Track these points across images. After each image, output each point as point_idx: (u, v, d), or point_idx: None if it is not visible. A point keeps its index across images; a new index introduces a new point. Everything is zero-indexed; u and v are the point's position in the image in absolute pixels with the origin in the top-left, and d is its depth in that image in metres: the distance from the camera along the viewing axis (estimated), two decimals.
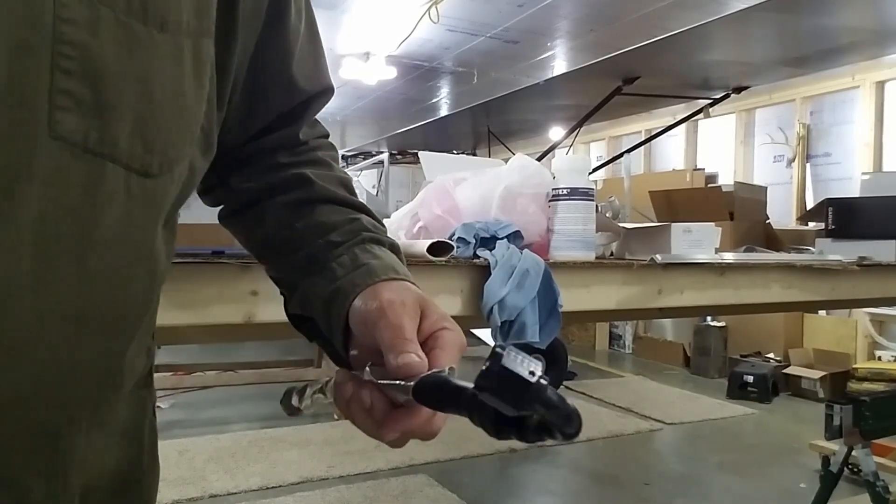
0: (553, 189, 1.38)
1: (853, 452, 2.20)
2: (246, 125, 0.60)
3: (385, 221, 1.58)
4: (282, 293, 0.62)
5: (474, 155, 6.95)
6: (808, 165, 5.91)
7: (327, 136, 0.68)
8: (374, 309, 0.49)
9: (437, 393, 0.44)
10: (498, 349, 0.37)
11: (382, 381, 0.47)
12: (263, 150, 0.62)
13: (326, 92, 0.66)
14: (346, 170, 0.67)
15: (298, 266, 0.58)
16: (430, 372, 0.46)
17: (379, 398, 0.47)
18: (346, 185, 0.63)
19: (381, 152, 6.85)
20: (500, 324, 1.17)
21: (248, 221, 0.64)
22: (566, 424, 0.39)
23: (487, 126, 6.28)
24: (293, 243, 0.59)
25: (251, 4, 0.53)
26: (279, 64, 0.59)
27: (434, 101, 6.85)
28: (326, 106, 0.67)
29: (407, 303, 0.50)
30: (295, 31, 0.59)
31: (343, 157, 6.98)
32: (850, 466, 2.64)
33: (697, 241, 1.48)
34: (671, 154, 7.22)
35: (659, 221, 2.26)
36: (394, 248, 0.59)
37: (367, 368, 0.49)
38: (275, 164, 0.62)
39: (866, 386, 4.51)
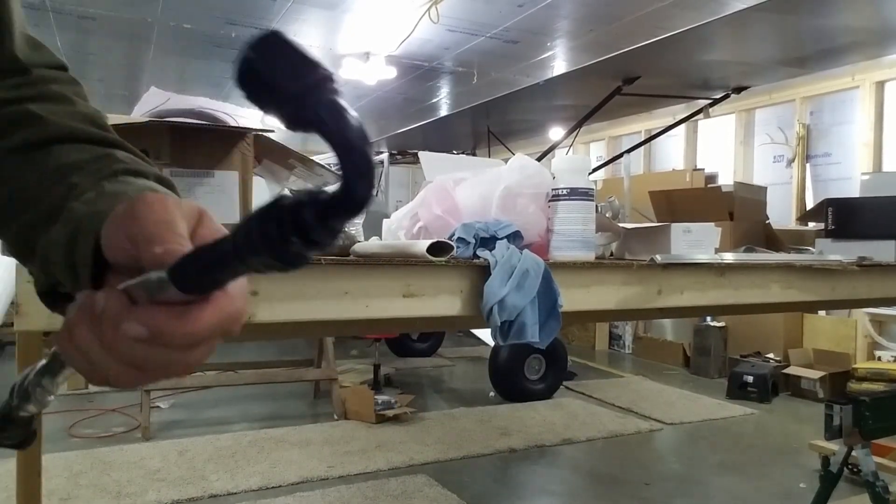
0: (553, 189, 1.38)
1: (853, 452, 2.20)
2: None
3: (385, 221, 1.59)
4: (29, 272, 0.46)
5: (474, 155, 6.95)
6: (807, 165, 5.91)
7: (64, 67, 0.53)
8: (130, 209, 0.37)
9: (198, 259, 0.33)
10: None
11: (129, 284, 0.35)
12: None
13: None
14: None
15: (35, 224, 0.44)
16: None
17: (117, 299, 0.35)
18: (95, 120, 0.49)
19: (381, 152, 6.85)
20: (499, 324, 1.17)
21: None
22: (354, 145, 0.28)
23: (487, 126, 6.28)
24: (24, 199, 0.44)
25: None
26: None
27: (434, 101, 6.85)
28: None
29: (179, 202, 0.38)
30: None
31: None
32: (849, 466, 2.64)
33: (697, 241, 1.48)
34: (671, 154, 7.22)
35: (659, 221, 2.26)
36: (161, 180, 0.45)
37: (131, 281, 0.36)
38: None
39: (866, 386, 4.51)
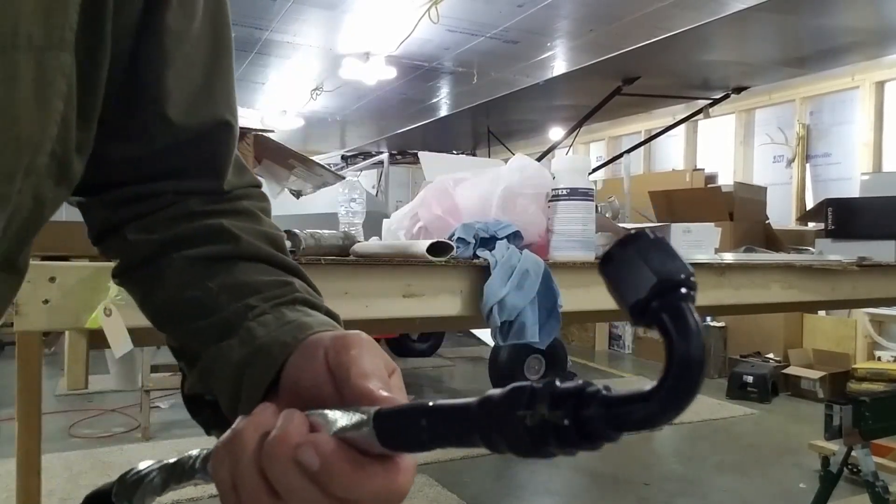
0: (553, 189, 1.38)
1: (853, 452, 2.20)
2: (128, 151, 0.48)
3: (385, 221, 1.59)
4: (180, 368, 0.49)
5: (474, 155, 6.95)
6: (807, 165, 5.91)
7: (259, 185, 0.56)
8: (343, 341, 0.38)
9: (423, 416, 0.31)
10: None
11: (318, 413, 0.34)
12: (168, 193, 0.50)
13: (220, 128, 0.50)
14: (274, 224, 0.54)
15: (205, 332, 0.46)
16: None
17: (301, 421, 0.34)
18: (276, 242, 0.51)
19: (381, 152, 6.84)
20: (499, 324, 1.17)
21: (146, 280, 0.50)
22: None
23: (487, 126, 6.27)
24: (201, 307, 0.46)
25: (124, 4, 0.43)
26: (150, 75, 0.46)
27: (434, 101, 6.85)
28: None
29: (380, 349, 0.39)
30: (176, 34, 0.47)
31: (343, 157, 6.96)
32: (849, 466, 2.64)
33: (697, 241, 1.48)
34: (671, 154, 7.22)
35: (659, 221, 2.26)
36: (330, 313, 0.47)
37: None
38: (184, 213, 0.50)
39: (866, 386, 4.51)
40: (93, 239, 0.53)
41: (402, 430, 0.32)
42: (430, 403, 0.31)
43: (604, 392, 0.26)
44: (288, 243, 1.12)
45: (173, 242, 0.48)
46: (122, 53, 0.44)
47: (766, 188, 2.76)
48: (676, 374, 0.25)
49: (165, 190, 0.50)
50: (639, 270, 0.26)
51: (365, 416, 0.32)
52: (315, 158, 1.60)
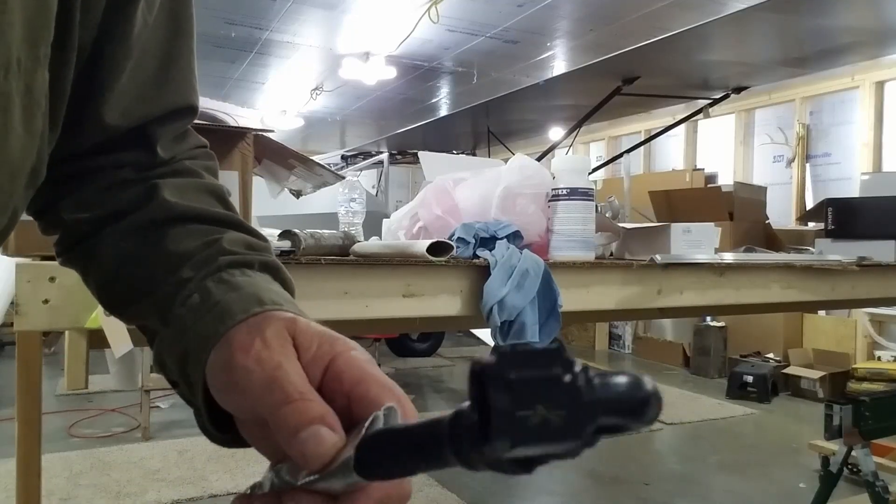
0: (553, 189, 1.38)
1: (853, 452, 2.21)
2: (75, 131, 0.45)
3: (385, 221, 1.59)
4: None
5: (474, 155, 6.95)
6: (807, 165, 5.91)
7: (204, 145, 0.54)
8: (232, 367, 0.35)
9: (395, 453, 0.29)
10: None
11: (307, 480, 0.32)
12: (104, 167, 0.48)
13: (184, 110, 0.50)
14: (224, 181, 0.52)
15: (146, 316, 0.44)
16: (363, 431, 0.31)
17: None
18: (216, 192, 0.49)
19: (381, 152, 6.84)
20: (499, 324, 1.17)
21: (82, 260, 0.49)
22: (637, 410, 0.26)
23: (487, 126, 6.27)
24: (138, 285, 0.44)
25: None
26: (106, 72, 0.44)
27: (434, 101, 6.85)
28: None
29: (269, 339, 0.36)
30: (138, 31, 0.45)
31: (343, 157, 6.96)
32: (849, 466, 2.64)
33: (697, 241, 1.48)
34: (671, 154, 7.22)
35: (659, 221, 2.25)
36: (266, 266, 0.45)
37: (271, 473, 0.34)
38: (119, 182, 0.47)
39: (866, 386, 4.52)
40: (32, 215, 0.51)
41: (383, 461, 0.30)
42: (405, 427, 0.30)
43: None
44: (288, 243, 1.12)
45: (106, 217, 0.46)
46: (83, 52, 0.43)
47: (766, 188, 2.76)
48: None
49: (103, 165, 0.47)
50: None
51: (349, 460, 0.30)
52: (315, 158, 1.59)
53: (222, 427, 0.40)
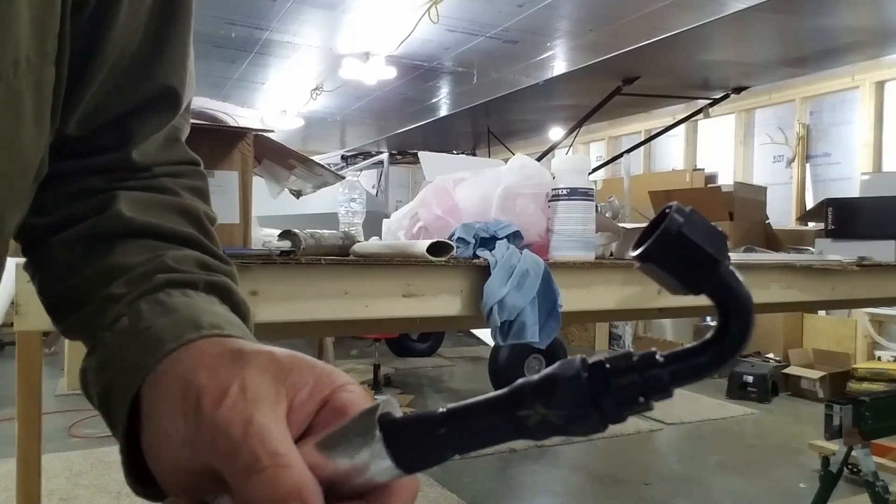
0: (553, 189, 1.38)
1: (853, 452, 2.20)
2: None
3: (385, 221, 1.59)
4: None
5: (474, 155, 6.95)
6: (807, 165, 5.91)
7: (196, 162, 0.49)
8: (179, 414, 0.30)
9: (455, 432, 0.29)
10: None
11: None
12: (74, 171, 0.44)
13: (165, 97, 0.45)
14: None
15: (78, 330, 0.41)
16: (371, 429, 0.29)
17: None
18: (190, 213, 0.44)
19: (381, 152, 6.84)
20: (499, 324, 1.17)
21: (32, 265, 0.45)
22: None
23: (487, 126, 6.27)
24: (75, 297, 0.41)
25: None
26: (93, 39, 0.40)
27: (434, 101, 6.85)
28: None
29: (222, 376, 0.30)
30: (125, 21, 0.41)
31: (343, 157, 6.96)
32: (849, 466, 2.64)
33: None
34: (671, 154, 7.22)
35: None
36: (214, 286, 0.40)
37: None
38: (84, 189, 0.43)
39: (866, 386, 4.51)
40: None
41: (420, 448, 0.29)
42: (444, 409, 0.29)
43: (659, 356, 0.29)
44: (288, 243, 1.12)
45: (57, 224, 0.43)
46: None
47: (766, 188, 2.76)
48: (738, 321, 0.30)
49: (72, 169, 0.44)
50: (692, 250, 0.28)
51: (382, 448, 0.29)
52: (315, 158, 1.60)
53: (146, 479, 0.33)
